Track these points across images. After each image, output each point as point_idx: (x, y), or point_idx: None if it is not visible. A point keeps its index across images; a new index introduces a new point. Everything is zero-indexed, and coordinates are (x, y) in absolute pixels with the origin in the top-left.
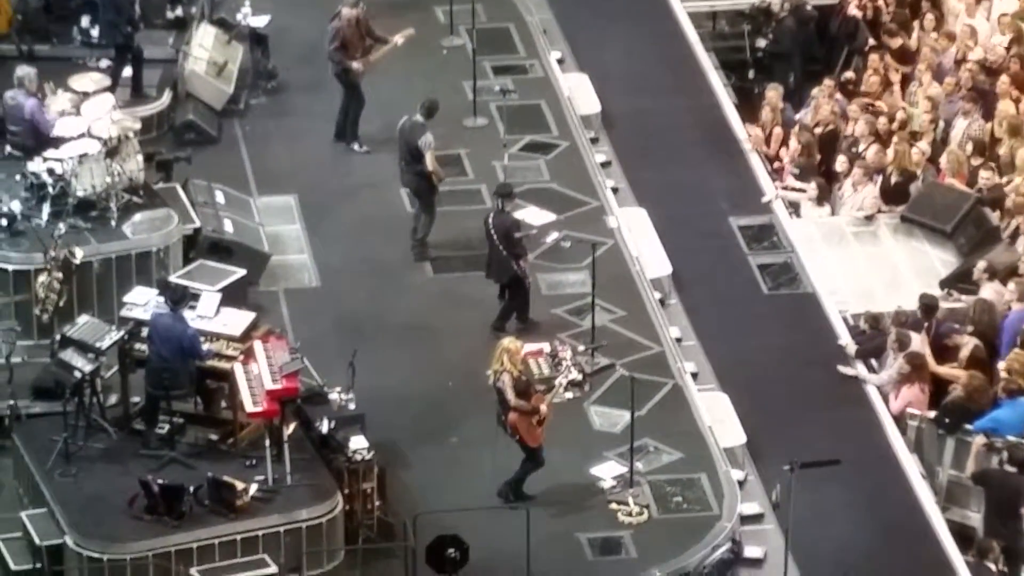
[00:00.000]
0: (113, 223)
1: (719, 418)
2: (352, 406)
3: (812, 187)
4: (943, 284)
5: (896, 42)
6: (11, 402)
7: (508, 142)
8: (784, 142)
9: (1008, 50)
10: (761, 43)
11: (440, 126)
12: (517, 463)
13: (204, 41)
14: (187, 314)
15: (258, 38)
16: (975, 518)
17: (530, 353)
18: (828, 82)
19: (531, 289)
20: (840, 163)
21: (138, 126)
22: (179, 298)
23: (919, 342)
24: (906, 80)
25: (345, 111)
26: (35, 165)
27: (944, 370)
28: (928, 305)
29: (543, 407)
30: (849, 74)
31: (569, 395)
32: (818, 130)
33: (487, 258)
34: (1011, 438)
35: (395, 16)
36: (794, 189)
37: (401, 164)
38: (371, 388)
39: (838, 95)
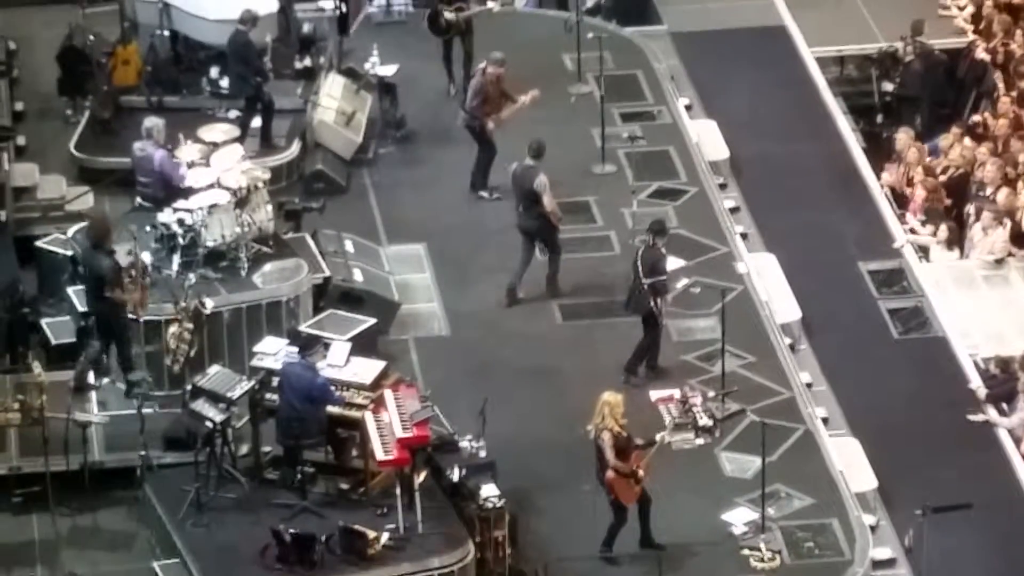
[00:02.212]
0: (243, 273)
1: (850, 463)
2: (483, 454)
3: (942, 231)
4: None
5: None
6: (143, 453)
7: (637, 189)
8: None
9: None
10: (889, 87)
11: (568, 173)
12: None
13: (333, 91)
14: (318, 363)
15: (386, 87)
16: None
17: (661, 399)
18: (957, 127)
19: (662, 335)
20: (970, 207)
21: (267, 176)
22: (309, 347)
23: None
24: None
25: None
26: (165, 216)
27: None
28: None
29: (641, 471)
30: (977, 118)
31: (700, 441)
32: (947, 175)
33: (628, 291)
34: None
35: (524, 64)
36: (919, 234)
37: (519, 209)
38: (502, 435)
39: (967, 139)
